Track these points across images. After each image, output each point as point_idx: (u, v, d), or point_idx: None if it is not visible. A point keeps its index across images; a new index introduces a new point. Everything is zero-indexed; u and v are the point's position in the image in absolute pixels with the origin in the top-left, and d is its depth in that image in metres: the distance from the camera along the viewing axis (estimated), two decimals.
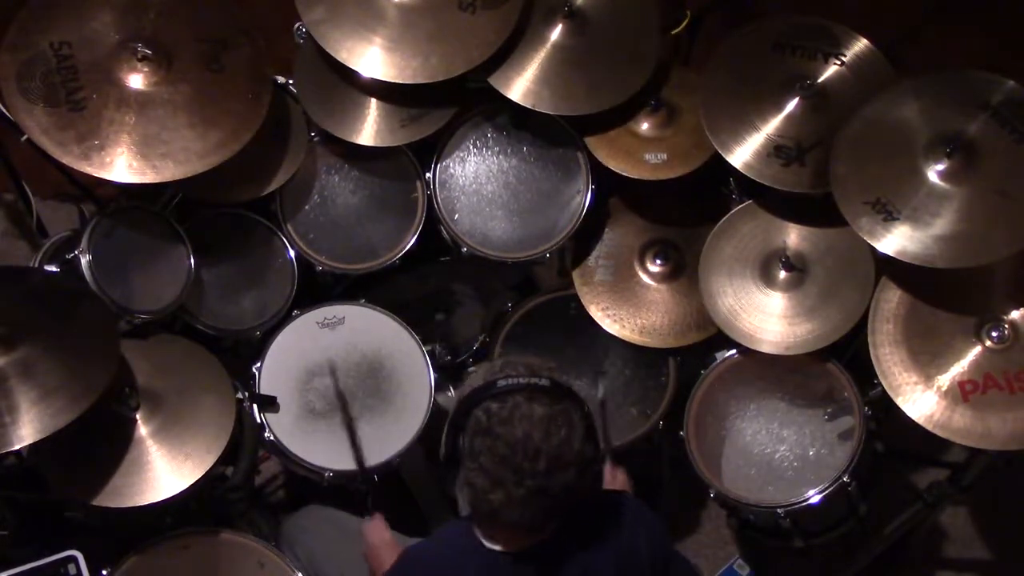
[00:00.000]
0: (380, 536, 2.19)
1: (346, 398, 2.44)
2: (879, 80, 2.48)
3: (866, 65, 2.52)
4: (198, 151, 2.32)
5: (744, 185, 2.61)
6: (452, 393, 2.76)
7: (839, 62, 2.52)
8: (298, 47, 2.57)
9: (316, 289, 2.72)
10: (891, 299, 2.40)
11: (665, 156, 2.59)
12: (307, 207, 2.64)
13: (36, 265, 2.43)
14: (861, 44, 2.53)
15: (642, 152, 2.60)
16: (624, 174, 2.59)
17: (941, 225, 2.25)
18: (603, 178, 2.64)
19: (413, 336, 2.60)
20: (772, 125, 2.49)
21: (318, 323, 2.57)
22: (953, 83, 2.35)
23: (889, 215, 2.27)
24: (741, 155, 2.48)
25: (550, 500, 1.70)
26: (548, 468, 1.67)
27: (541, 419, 1.67)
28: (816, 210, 2.50)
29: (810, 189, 2.45)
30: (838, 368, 2.50)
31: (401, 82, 2.47)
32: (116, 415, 2.26)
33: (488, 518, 1.76)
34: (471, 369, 1.78)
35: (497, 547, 1.79)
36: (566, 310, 2.77)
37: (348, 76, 2.52)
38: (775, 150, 2.48)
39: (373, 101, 2.57)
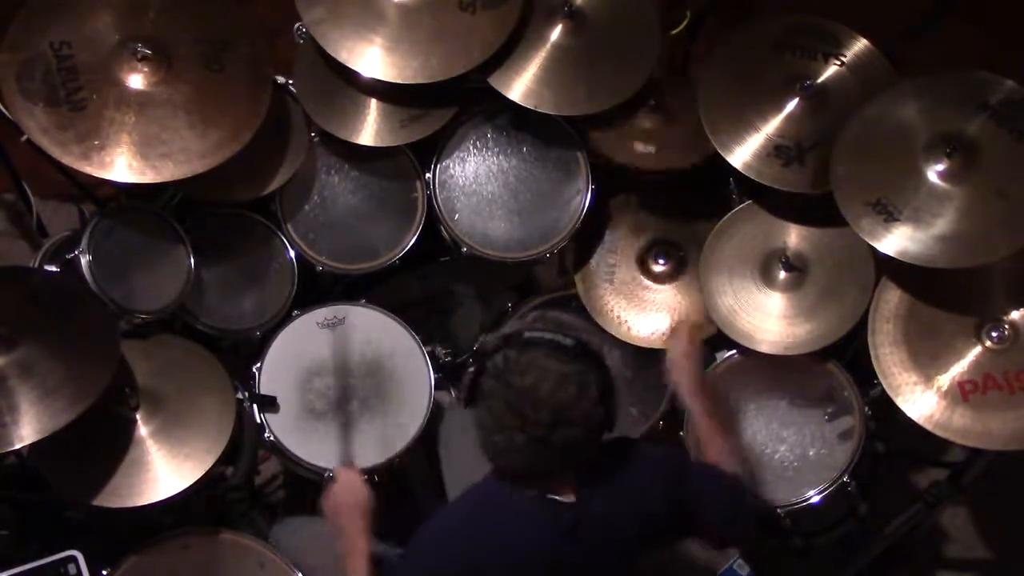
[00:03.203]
0: (351, 486, 2.03)
1: (347, 395, 2.46)
2: (879, 80, 2.48)
3: (866, 65, 2.52)
4: (198, 151, 2.32)
5: (744, 185, 2.62)
6: (452, 394, 2.76)
7: (839, 62, 2.52)
8: (298, 47, 2.57)
9: (316, 289, 2.72)
10: (891, 299, 2.40)
11: (653, 149, 2.59)
12: (307, 207, 2.64)
13: (36, 265, 2.43)
14: (861, 44, 2.53)
15: (633, 140, 2.61)
16: (615, 159, 2.60)
17: (941, 225, 2.25)
18: (603, 178, 2.64)
19: (413, 336, 2.60)
20: (772, 125, 2.50)
21: (318, 323, 2.57)
22: (953, 83, 2.35)
23: (890, 216, 2.27)
24: (741, 155, 2.48)
25: (550, 452, 1.75)
26: (551, 421, 1.72)
27: (554, 374, 1.73)
28: (816, 210, 2.50)
29: (810, 189, 2.45)
30: (838, 368, 2.50)
31: (401, 82, 2.47)
32: (116, 415, 2.26)
33: (493, 460, 1.82)
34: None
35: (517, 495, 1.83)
36: (566, 310, 2.76)
37: (348, 76, 2.52)
38: (775, 150, 2.48)
39: (373, 101, 2.57)
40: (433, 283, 2.84)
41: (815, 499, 2.41)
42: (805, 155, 2.47)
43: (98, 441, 2.23)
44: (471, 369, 1.84)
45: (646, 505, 1.90)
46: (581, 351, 1.78)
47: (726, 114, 2.51)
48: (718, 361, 2.60)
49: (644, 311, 2.68)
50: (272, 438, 2.43)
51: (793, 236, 2.55)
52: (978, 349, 2.31)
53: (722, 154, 2.49)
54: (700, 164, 2.58)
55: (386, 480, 2.43)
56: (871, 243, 2.29)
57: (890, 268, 2.40)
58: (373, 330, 2.59)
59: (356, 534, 1.95)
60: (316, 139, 2.62)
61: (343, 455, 2.34)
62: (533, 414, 1.72)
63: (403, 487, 2.64)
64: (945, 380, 2.31)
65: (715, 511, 1.97)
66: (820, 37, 2.54)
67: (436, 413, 2.57)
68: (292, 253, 2.63)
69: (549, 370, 1.73)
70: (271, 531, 2.43)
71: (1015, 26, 2.80)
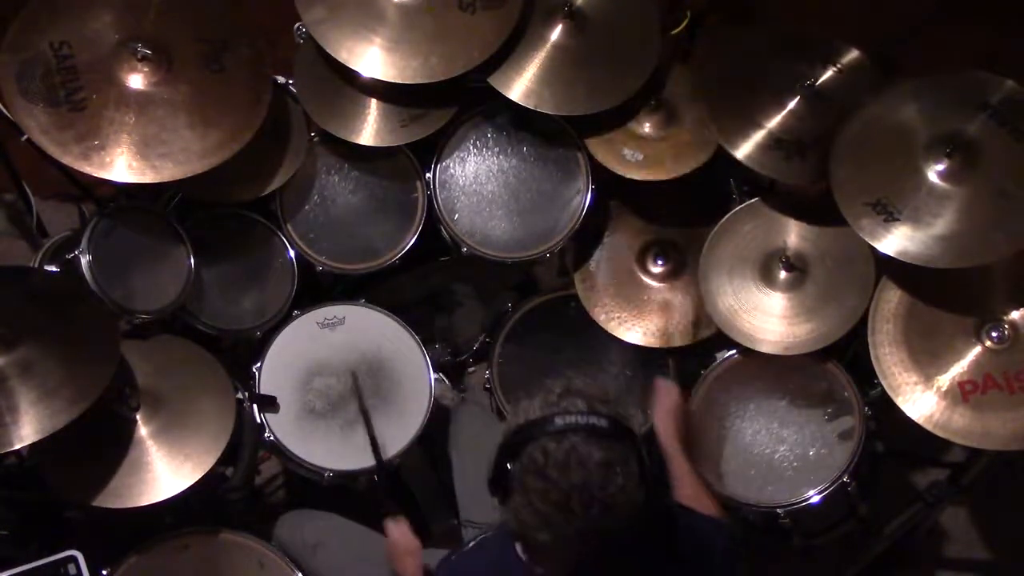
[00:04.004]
0: (406, 541, 2.21)
1: (364, 401, 2.45)
2: (874, 89, 2.47)
3: (861, 75, 2.52)
4: (198, 151, 2.32)
5: (745, 185, 2.61)
6: (452, 394, 2.77)
7: (836, 69, 2.52)
8: (298, 47, 2.57)
9: (316, 289, 2.72)
10: (891, 299, 2.40)
11: (641, 156, 2.59)
12: (307, 207, 2.64)
13: (36, 265, 2.43)
14: (856, 55, 2.53)
15: (622, 145, 2.60)
16: (601, 161, 2.60)
17: (941, 225, 2.25)
18: (603, 178, 2.64)
19: (413, 336, 2.60)
20: (774, 121, 2.50)
21: (318, 323, 2.57)
22: (953, 83, 2.35)
23: (890, 216, 2.27)
24: (743, 148, 2.49)
25: (598, 541, 1.67)
26: (601, 514, 1.62)
27: (598, 465, 1.61)
28: (816, 210, 2.50)
29: (810, 182, 2.45)
30: (838, 368, 2.50)
31: (401, 82, 2.47)
32: (116, 415, 2.26)
33: (533, 550, 1.76)
34: (517, 401, 1.73)
35: (539, 570, 1.77)
36: (566, 310, 2.77)
37: (348, 76, 2.52)
38: (776, 143, 2.48)
39: (373, 101, 2.57)
40: (433, 283, 2.84)
41: (815, 499, 2.41)
42: (807, 150, 2.47)
43: (98, 441, 2.23)
44: (496, 456, 1.71)
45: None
46: (616, 430, 1.65)
47: (729, 108, 2.51)
48: (718, 361, 2.60)
49: (643, 311, 2.68)
50: (272, 438, 2.43)
51: (793, 236, 2.55)
52: (978, 349, 2.31)
53: (725, 147, 2.49)
54: (684, 177, 2.58)
55: (385, 480, 2.43)
56: (871, 243, 2.29)
57: (890, 268, 2.40)
58: (373, 330, 2.59)
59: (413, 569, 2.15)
60: (316, 139, 2.62)
61: (379, 454, 2.39)
62: (582, 511, 1.61)
63: (403, 487, 2.64)
64: (945, 380, 2.31)
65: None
66: (817, 47, 2.55)
67: (438, 413, 2.57)
68: (292, 253, 2.63)
69: (592, 461, 1.61)
70: (275, 526, 2.44)
71: (1015, 26, 2.79)
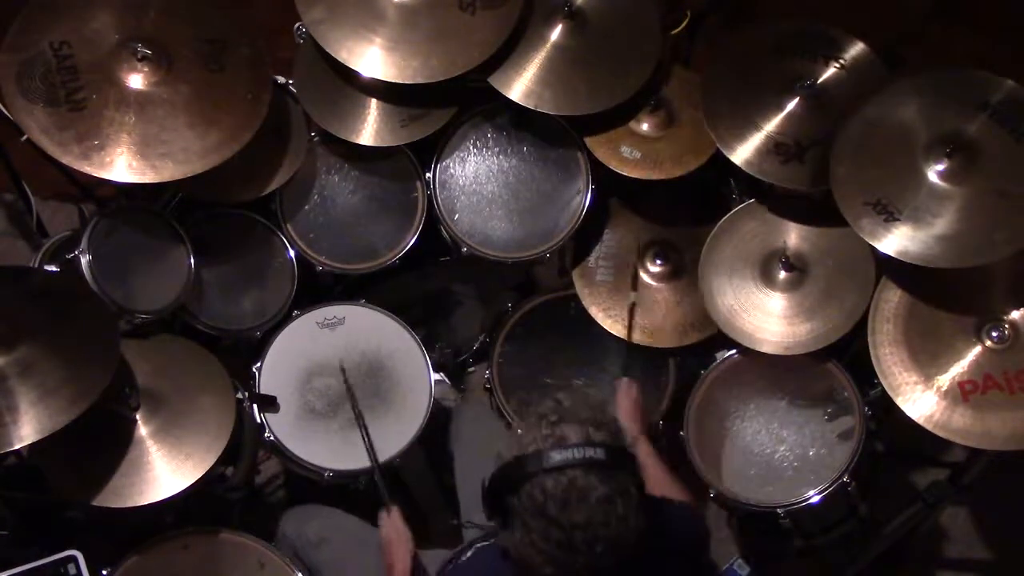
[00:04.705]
0: (397, 530, 2.22)
1: (355, 396, 2.45)
2: (877, 84, 2.47)
3: (865, 69, 2.51)
4: (198, 151, 2.32)
5: (744, 185, 2.61)
6: (453, 395, 2.77)
7: (838, 65, 2.52)
8: (298, 47, 2.57)
9: (316, 289, 2.72)
10: (891, 299, 2.40)
11: (639, 155, 2.59)
12: (307, 207, 2.64)
13: (36, 265, 2.43)
14: (859, 48, 2.53)
15: (619, 143, 2.60)
16: (599, 158, 2.60)
17: (942, 225, 2.24)
18: (603, 178, 2.64)
19: (413, 336, 2.60)
20: (773, 123, 2.49)
21: (318, 323, 2.57)
22: (953, 83, 2.34)
23: (890, 215, 2.27)
24: (741, 152, 2.48)
25: (602, 570, 1.64)
26: (605, 550, 1.61)
27: (600, 500, 1.59)
28: (816, 210, 2.50)
29: (809, 187, 2.45)
30: (838, 368, 2.50)
31: (401, 82, 2.47)
32: (116, 415, 2.26)
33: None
34: (514, 423, 1.66)
35: None
36: (566, 310, 2.77)
37: (348, 76, 2.52)
38: (775, 147, 2.48)
39: (373, 101, 2.57)
40: (433, 283, 2.84)
41: (815, 499, 2.41)
42: (805, 153, 2.47)
43: (98, 441, 2.23)
44: (489, 491, 1.69)
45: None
46: (613, 459, 1.63)
47: (727, 111, 2.51)
48: (718, 361, 2.60)
49: (643, 311, 2.68)
50: (272, 438, 2.43)
51: (793, 236, 2.55)
52: (978, 349, 2.31)
53: (723, 151, 2.49)
54: (684, 177, 2.58)
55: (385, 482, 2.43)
56: (871, 243, 2.29)
57: (890, 268, 2.39)
58: (373, 330, 2.59)
59: (405, 571, 2.15)
60: (316, 139, 2.62)
61: (372, 456, 2.40)
62: (586, 548, 1.60)
63: (403, 487, 2.64)
64: (945, 380, 2.31)
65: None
66: (819, 41, 2.54)
67: (438, 414, 2.57)
68: (292, 253, 2.63)
69: (593, 496, 1.59)
70: (280, 521, 2.45)
71: (1015, 26, 2.79)
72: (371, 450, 2.41)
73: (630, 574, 1.69)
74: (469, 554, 1.98)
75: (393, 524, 2.25)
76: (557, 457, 1.60)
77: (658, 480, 2.13)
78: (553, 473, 1.60)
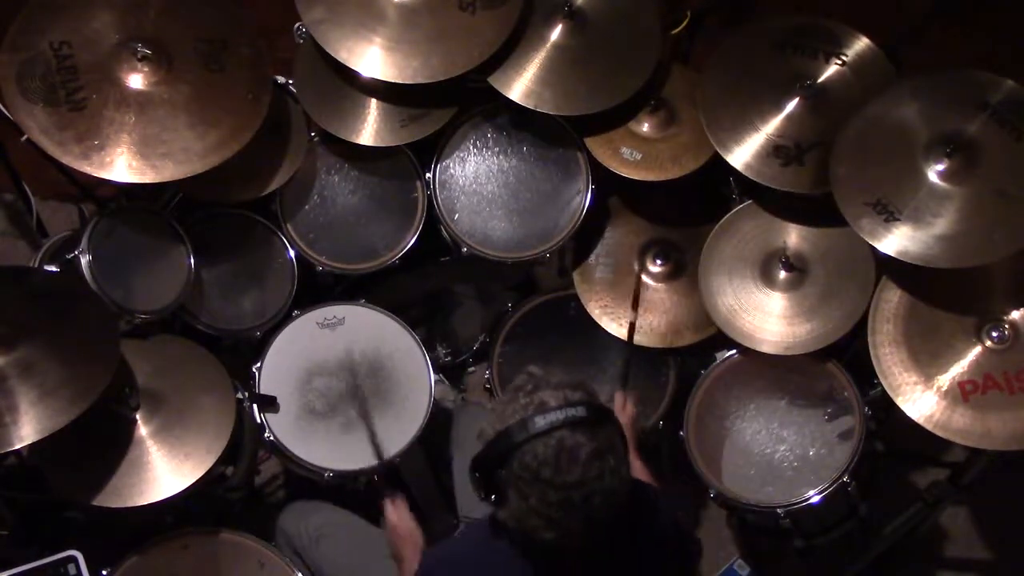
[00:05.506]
0: (401, 519, 2.23)
1: (364, 395, 2.46)
2: (880, 80, 2.48)
3: (867, 64, 2.52)
4: (198, 151, 2.32)
5: (744, 185, 2.61)
6: (454, 396, 2.76)
7: (840, 62, 2.52)
8: (298, 47, 2.57)
9: (316, 289, 2.72)
10: (891, 299, 2.40)
11: (640, 156, 2.59)
12: (307, 207, 2.64)
13: (36, 265, 2.43)
14: (862, 43, 2.53)
15: (620, 144, 2.61)
16: (600, 160, 2.60)
17: (942, 225, 2.25)
18: (603, 178, 2.64)
19: (413, 336, 2.60)
20: (772, 125, 2.49)
21: (318, 323, 2.57)
22: (953, 83, 2.35)
23: (890, 215, 2.27)
24: (740, 155, 2.48)
25: (600, 523, 1.68)
26: (602, 503, 1.65)
27: (590, 456, 1.63)
28: (816, 210, 2.49)
29: (808, 190, 2.45)
30: (838, 368, 2.50)
31: (401, 82, 2.47)
32: (116, 415, 2.27)
33: (538, 550, 1.74)
34: (486, 390, 1.70)
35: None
36: (566, 310, 2.77)
37: (348, 76, 2.52)
38: (774, 150, 2.48)
39: (373, 101, 2.57)
40: (433, 283, 2.84)
41: (815, 499, 2.40)
42: (804, 155, 2.47)
43: (98, 441, 2.23)
44: (479, 467, 1.71)
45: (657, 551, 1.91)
46: (595, 415, 1.67)
47: (726, 113, 2.51)
48: (718, 361, 2.60)
49: (643, 311, 2.68)
50: (272, 438, 2.43)
51: (793, 236, 2.55)
52: (978, 349, 2.31)
53: (722, 154, 2.49)
54: (684, 177, 2.59)
55: (384, 481, 2.43)
56: (871, 243, 2.29)
57: (890, 268, 2.39)
58: (373, 330, 2.59)
59: (413, 560, 2.11)
60: (316, 139, 2.62)
61: (377, 454, 2.40)
62: (584, 504, 1.64)
63: (403, 487, 2.64)
64: (945, 380, 2.31)
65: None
66: (821, 36, 2.54)
67: (437, 414, 2.57)
68: (292, 253, 2.63)
69: (582, 454, 1.62)
70: (279, 516, 2.46)
71: (1015, 26, 2.79)
72: (378, 450, 2.41)
73: (618, 554, 1.74)
74: (456, 534, 2.03)
75: (400, 518, 2.24)
76: (542, 422, 1.64)
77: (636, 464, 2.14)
78: (541, 437, 1.63)
